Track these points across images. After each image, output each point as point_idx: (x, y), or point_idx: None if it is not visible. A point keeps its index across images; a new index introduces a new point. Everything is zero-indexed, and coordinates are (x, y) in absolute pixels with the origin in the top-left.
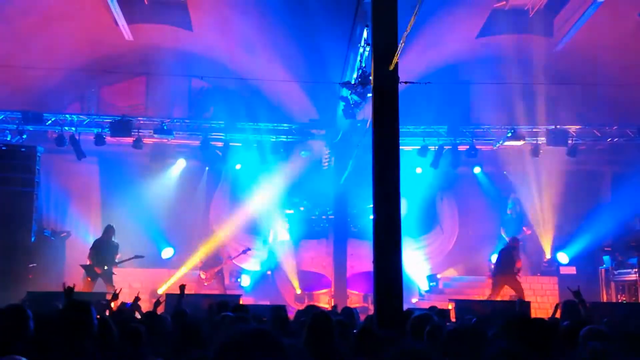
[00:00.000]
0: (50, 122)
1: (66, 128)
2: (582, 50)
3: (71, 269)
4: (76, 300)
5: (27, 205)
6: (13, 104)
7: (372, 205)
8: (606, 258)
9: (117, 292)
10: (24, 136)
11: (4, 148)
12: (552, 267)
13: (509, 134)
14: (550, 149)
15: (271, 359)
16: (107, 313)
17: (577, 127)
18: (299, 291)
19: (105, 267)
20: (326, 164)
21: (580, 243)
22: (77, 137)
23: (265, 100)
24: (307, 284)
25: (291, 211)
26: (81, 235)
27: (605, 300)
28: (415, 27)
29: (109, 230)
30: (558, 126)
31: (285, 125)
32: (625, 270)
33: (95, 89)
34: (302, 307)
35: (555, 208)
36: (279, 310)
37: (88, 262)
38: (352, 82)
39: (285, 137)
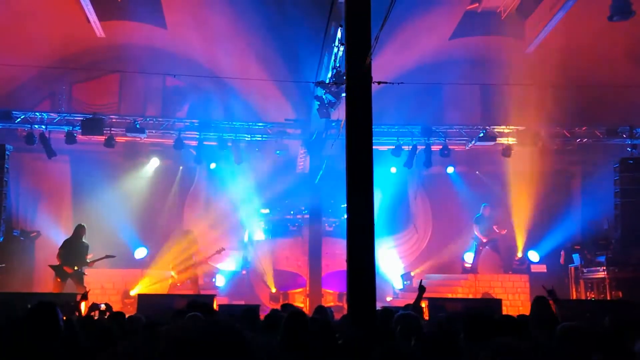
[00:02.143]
0: (19, 119)
1: (36, 126)
2: (552, 52)
3: (40, 270)
4: (41, 302)
5: None
6: None
7: (346, 205)
8: (575, 256)
9: (87, 291)
10: None
11: None
12: (524, 266)
13: (481, 135)
14: (521, 149)
15: (229, 353)
16: (76, 314)
17: (547, 128)
18: (274, 290)
19: (76, 268)
20: (301, 163)
21: (550, 242)
22: (47, 135)
23: (240, 99)
24: (282, 284)
25: (266, 210)
26: (52, 235)
27: (574, 297)
28: (388, 27)
29: (79, 230)
30: (528, 127)
31: (260, 124)
32: (594, 268)
33: (66, 86)
34: (277, 306)
35: (526, 207)
36: (251, 311)
37: (57, 262)
38: (327, 81)
39: (260, 136)
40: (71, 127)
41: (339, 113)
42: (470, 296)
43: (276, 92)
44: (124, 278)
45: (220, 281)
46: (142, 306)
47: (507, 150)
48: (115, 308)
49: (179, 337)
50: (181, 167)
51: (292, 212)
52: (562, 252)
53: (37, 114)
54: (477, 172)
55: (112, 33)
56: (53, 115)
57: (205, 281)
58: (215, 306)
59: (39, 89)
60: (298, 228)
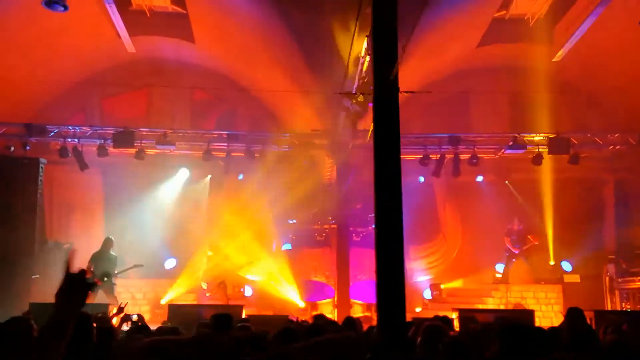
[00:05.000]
0: (53, 133)
1: (69, 139)
2: (582, 58)
3: None
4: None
5: (30, 216)
6: (16, 117)
7: (374, 215)
8: (610, 266)
9: (123, 306)
10: (27, 148)
11: (7, 160)
12: (556, 276)
13: (511, 143)
14: (552, 157)
15: None
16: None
17: (579, 134)
18: (302, 301)
19: (105, 279)
20: (328, 173)
21: (584, 251)
22: (80, 149)
23: (267, 110)
24: (310, 294)
25: (293, 220)
26: (84, 246)
27: (609, 308)
28: (415, 36)
29: (107, 243)
30: (559, 134)
31: (287, 135)
32: (629, 278)
33: (97, 100)
34: (305, 317)
35: (558, 216)
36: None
37: (87, 275)
38: (353, 92)
39: (287, 147)
40: (103, 140)
41: (366, 123)
42: (502, 307)
43: (302, 103)
44: (154, 288)
45: (248, 291)
46: (172, 316)
47: (537, 158)
48: (146, 318)
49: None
50: (209, 178)
51: (319, 223)
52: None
53: (70, 127)
54: (506, 182)
55: (141, 48)
56: (85, 128)
57: (234, 292)
58: (243, 316)
59: (71, 104)
60: (325, 238)
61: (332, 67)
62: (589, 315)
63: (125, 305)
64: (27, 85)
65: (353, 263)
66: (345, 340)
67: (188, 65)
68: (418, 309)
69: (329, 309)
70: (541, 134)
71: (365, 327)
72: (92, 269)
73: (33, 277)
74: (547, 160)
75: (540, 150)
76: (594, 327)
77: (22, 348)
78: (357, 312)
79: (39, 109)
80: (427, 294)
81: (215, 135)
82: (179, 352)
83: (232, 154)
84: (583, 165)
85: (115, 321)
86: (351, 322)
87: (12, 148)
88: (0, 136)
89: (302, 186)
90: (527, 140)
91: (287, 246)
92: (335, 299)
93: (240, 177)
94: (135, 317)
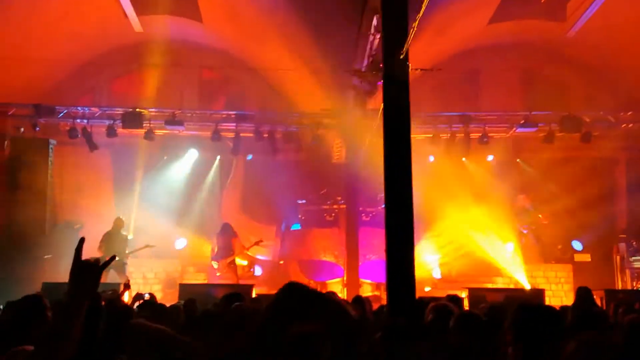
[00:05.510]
0: (62, 114)
1: (78, 120)
2: (595, 35)
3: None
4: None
5: (41, 197)
6: (26, 98)
7: (384, 194)
8: (621, 245)
9: (128, 281)
10: (37, 129)
11: (18, 141)
12: (567, 255)
13: (522, 121)
14: (564, 136)
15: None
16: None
17: (591, 112)
18: (311, 280)
19: (117, 259)
20: (337, 153)
21: (594, 230)
22: (89, 129)
23: (275, 90)
24: (319, 274)
25: (302, 201)
26: (94, 226)
27: (620, 287)
28: (425, 13)
29: (118, 223)
30: (571, 112)
31: (296, 114)
32: None
33: (106, 81)
34: None
35: (569, 195)
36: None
37: (99, 255)
38: (362, 70)
39: (296, 126)
40: (112, 121)
41: (375, 102)
42: (512, 287)
43: (311, 82)
44: (165, 268)
45: (258, 271)
46: (183, 295)
47: (549, 137)
48: (157, 297)
49: None
50: (218, 159)
51: (328, 202)
52: None
53: (79, 108)
54: (517, 160)
55: (149, 27)
56: (94, 109)
57: (244, 271)
58: (253, 295)
59: (80, 84)
60: (335, 218)
61: (341, 46)
62: (599, 295)
63: (128, 281)
64: (35, 65)
65: (362, 243)
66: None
67: (196, 45)
68: (427, 289)
69: (338, 288)
70: (553, 112)
71: (375, 306)
72: (102, 249)
73: (45, 257)
74: (559, 139)
75: (551, 128)
76: (604, 306)
77: (36, 326)
78: (367, 291)
79: (48, 90)
80: (437, 273)
81: (224, 116)
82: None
83: (241, 134)
84: (595, 144)
85: (127, 299)
86: (360, 301)
87: (22, 129)
88: (10, 117)
89: (310, 166)
90: (539, 118)
91: (297, 226)
92: (345, 278)
93: (249, 157)
94: (147, 296)
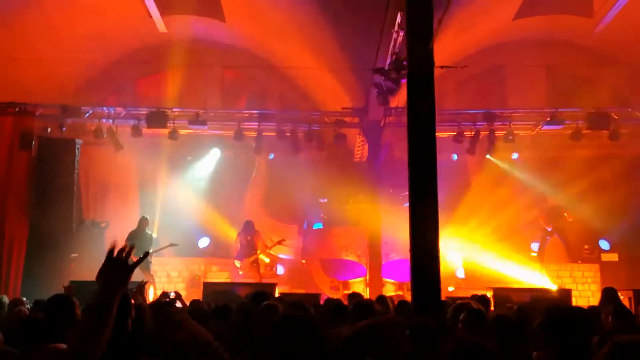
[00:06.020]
0: (88, 114)
1: (104, 120)
2: (623, 30)
3: None
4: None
5: (67, 196)
6: (52, 98)
7: (408, 193)
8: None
9: (145, 282)
10: (64, 129)
11: (45, 141)
12: (594, 255)
13: (549, 119)
14: (591, 133)
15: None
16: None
17: (619, 109)
18: (334, 280)
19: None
20: (359, 151)
21: (622, 229)
22: (114, 129)
23: (297, 89)
24: (341, 273)
25: (324, 199)
26: (120, 225)
27: None
28: (450, 9)
29: (142, 222)
30: (599, 109)
31: (318, 113)
32: None
33: (130, 81)
34: (337, 295)
35: (596, 193)
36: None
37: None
38: (385, 68)
39: (318, 125)
40: (137, 121)
41: (398, 100)
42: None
43: (333, 80)
44: (189, 266)
45: (280, 270)
46: (207, 293)
47: (576, 134)
48: (184, 296)
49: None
50: (241, 158)
51: (350, 201)
52: None
53: (105, 108)
54: (543, 158)
55: (173, 27)
56: (119, 109)
57: (266, 270)
58: (276, 294)
59: (105, 85)
60: (357, 217)
61: (363, 44)
62: (627, 295)
63: (147, 282)
64: (62, 66)
65: (385, 242)
66: (388, 323)
67: (219, 44)
68: (451, 288)
69: (360, 288)
70: (580, 109)
71: None
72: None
73: (72, 255)
74: (586, 136)
75: (578, 126)
76: (633, 306)
77: (65, 324)
78: (389, 290)
79: (74, 91)
80: (460, 273)
81: (246, 115)
82: None
83: (263, 133)
84: (623, 141)
85: (150, 296)
86: (384, 300)
87: (49, 129)
88: (37, 117)
89: (332, 165)
90: (565, 115)
91: (319, 225)
92: (367, 277)
93: (271, 156)
94: (173, 295)
